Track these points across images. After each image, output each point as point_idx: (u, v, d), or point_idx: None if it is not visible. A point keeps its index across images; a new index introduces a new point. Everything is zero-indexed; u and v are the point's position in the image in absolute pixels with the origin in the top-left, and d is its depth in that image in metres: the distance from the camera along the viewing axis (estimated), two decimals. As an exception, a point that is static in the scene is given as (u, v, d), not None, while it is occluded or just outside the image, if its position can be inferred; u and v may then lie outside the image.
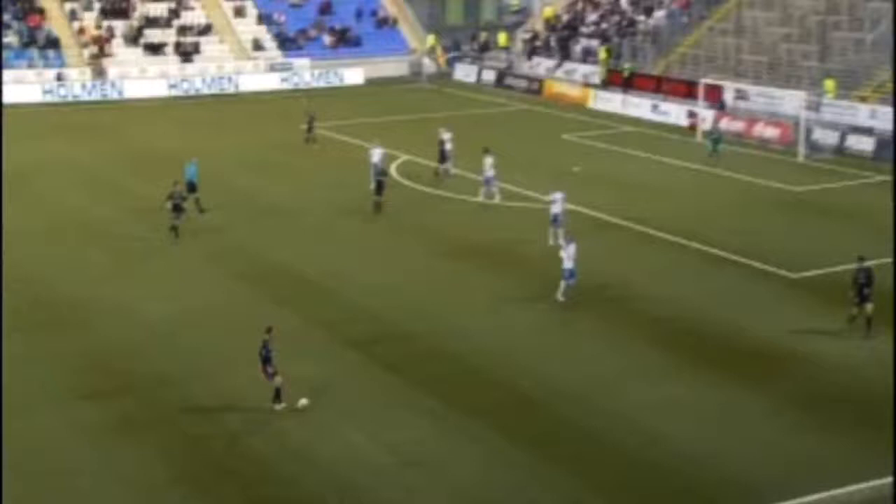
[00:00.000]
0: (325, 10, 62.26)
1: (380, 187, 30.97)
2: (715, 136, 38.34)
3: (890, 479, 16.26)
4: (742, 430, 18.11)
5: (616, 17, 56.58)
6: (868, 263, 22.26)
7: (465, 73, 59.98)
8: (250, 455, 17.63)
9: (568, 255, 23.56)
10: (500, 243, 28.47)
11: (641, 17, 54.90)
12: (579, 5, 60.00)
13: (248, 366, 20.38)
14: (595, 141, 42.34)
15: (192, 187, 30.73)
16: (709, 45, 50.30)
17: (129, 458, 17.46)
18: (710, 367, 20.50)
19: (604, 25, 56.58)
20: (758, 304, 23.83)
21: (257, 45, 58.98)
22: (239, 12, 60.45)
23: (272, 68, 57.68)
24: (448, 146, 35.53)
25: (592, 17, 58.14)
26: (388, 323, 22.92)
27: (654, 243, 28.46)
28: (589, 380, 20.07)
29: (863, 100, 41.43)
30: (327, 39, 60.78)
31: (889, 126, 39.23)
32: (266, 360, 18.82)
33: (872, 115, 40.29)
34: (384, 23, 62.99)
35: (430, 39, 62.35)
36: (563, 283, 23.60)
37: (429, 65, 60.25)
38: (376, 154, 33.25)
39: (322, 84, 57.45)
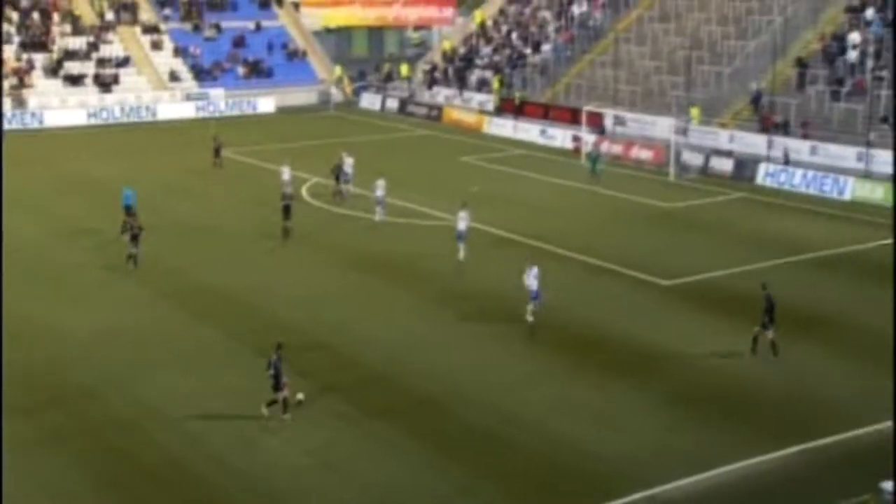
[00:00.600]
0: (239, 43, 61.54)
1: (287, 211, 30.24)
2: (594, 157, 39.25)
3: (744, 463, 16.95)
4: (628, 427, 18.47)
5: (507, 51, 57.52)
6: (768, 291, 21.09)
7: (370, 101, 59.99)
8: (171, 462, 17.25)
9: (532, 277, 22.88)
10: (404, 258, 28.53)
11: (529, 51, 55.92)
12: (474, 39, 60.79)
13: (169, 377, 19.97)
14: (490, 163, 42.87)
15: (129, 211, 30.30)
16: (590, 76, 51.55)
17: (53, 468, 16.88)
18: (598, 370, 20.89)
19: (497, 58, 57.46)
20: (637, 310, 24.40)
21: (174, 77, 57.86)
22: (156, 45, 59.22)
23: (188, 98, 56.67)
24: (348, 169, 35.45)
25: (486, 50, 58.97)
26: (303, 334, 22.73)
27: (545, 257, 28.82)
28: (490, 384, 20.19)
29: (723, 126, 42.95)
30: (241, 71, 60.05)
31: (745, 149, 40.91)
32: (277, 375, 18.35)
33: (731, 139, 41.82)
34: (294, 55, 62.61)
35: (338, 70, 62.24)
36: (529, 305, 23.00)
37: (336, 94, 60.14)
38: (286, 172, 33.57)
39: (236, 112, 56.75)
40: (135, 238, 27.06)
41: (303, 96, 60.47)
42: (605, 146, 43.02)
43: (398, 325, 23.31)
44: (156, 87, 56.96)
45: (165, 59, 58.79)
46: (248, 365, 21.02)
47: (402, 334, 22.79)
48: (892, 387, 18.65)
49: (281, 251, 29.14)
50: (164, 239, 29.86)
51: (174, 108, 55.65)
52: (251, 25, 62.92)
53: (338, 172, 34.90)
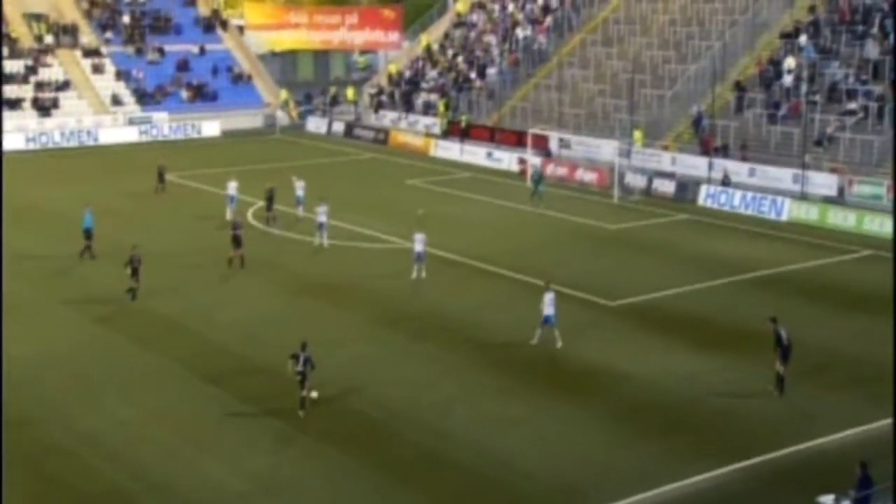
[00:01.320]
0: (183, 67, 61.19)
1: (237, 242, 29.24)
2: (536, 178, 39.73)
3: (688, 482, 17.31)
4: (570, 445, 18.73)
5: (453, 74, 58.11)
6: (782, 327, 20.77)
7: (316, 125, 60.06)
8: (113, 491, 17.02)
9: (548, 302, 23.06)
10: (350, 281, 28.60)
11: (474, 75, 56.52)
12: (420, 63, 61.31)
13: (110, 405, 19.72)
14: (437, 186, 43.20)
15: (88, 234, 30.02)
16: (535, 99, 52.32)
17: (-11, 503, 16.57)
18: (539, 388, 21.18)
19: (442, 81, 58.01)
20: (581, 329, 24.78)
21: (116, 100, 57.29)
22: (97, 69, 58.59)
23: (131, 122, 56.13)
24: (300, 192, 35.59)
25: (432, 73, 59.50)
26: (245, 358, 22.64)
27: (490, 277, 29.27)
28: (433, 404, 20.35)
29: (665, 148, 43.92)
30: (185, 94, 59.69)
31: (687, 171, 41.85)
32: (304, 375, 19.48)
33: (673, 161, 42.78)
34: (239, 79, 62.46)
35: (283, 94, 62.25)
36: (538, 329, 23.18)
37: (282, 117, 60.11)
38: (231, 187, 34.53)
39: (180, 136, 56.38)
40: (135, 272, 26.28)
41: (248, 120, 60.33)
42: (550, 168, 43.63)
43: (343, 348, 23.36)
44: (97, 110, 56.34)
45: (107, 83, 58.19)
46: (191, 391, 20.86)
47: (346, 357, 22.85)
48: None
49: (225, 275, 28.98)
50: (106, 264, 29.49)
51: (116, 132, 55.07)
52: (195, 49, 62.65)
53: (270, 196, 34.64)
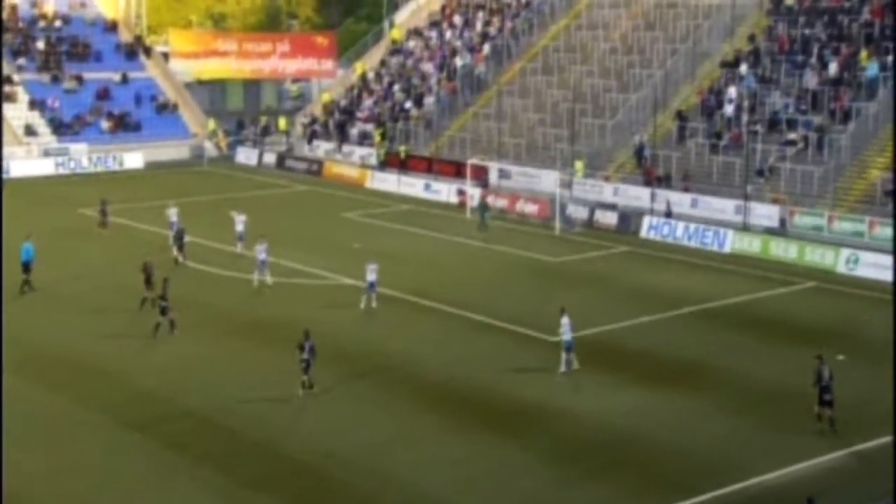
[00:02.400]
0: (103, 95, 60.42)
1: (163, 312, 27.25)
2: (481, 207, 40.19)
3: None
4: (510, 485, 18.84)
5: (389, 103, 58.55)
6: (826, 365, 21.06)
7: (246, 156, 59.83)
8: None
9: (566, 327, 24.26)
10: (283, 320, 28.46)
11: (410, 104, 56.99)
12: (355, 91, 61.66)
13: (15, 455, 19.20)
14: (373, 219, 43.34)
15: (26, 267, 29.96)
16: (474, 128, 52.96)
17: None
18: (480, 427, 21.31)
19: (378, 110, 58.38)
20: (522, 366, 25.04)
21: (30, 131, 56.32)
22: (9, 98, 57.59)
23: (46, 153, 55.18)
24: (240, 227, 35.31)
25: (368, 102, 59.86)
26: (170, 402, 22.35)
27: (428, 313, 29.41)
28: (367, 445, 20.33)
29: (607, 179, 44.81)
30: (105, 125, 58.92)
31: (629, 202, 42.69)
32: (308, 363, 22.40)
33: (615, 192, 43.66)
34: (164, 108, 61.94)
35: (211, 124, 61.92)
36: (563, 356, 24.33)
37: (210, 148, 59.76)
38: (173, 213, 35.78)
39: (101, 168, 55.52)
40: (148, 280, 27.41)
41: (174, 151, 59.81)
42: (490, 200, 44.13)
43: (274, 389, 23.21)
44: (9, 142, 55.26)
45: (20, 113, 57.19)
46: (111, 439, 20.46)
47: (277, 398, 22.69)
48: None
49: (150, 315, 28.58)
50: (15, 304, 28.84)
51: (30, 164, 54.03)
52: (116, 77, 62.00)
53: (180, 236, 33.96)
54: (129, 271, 32.97)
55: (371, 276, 29.09)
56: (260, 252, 32.00)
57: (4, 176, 52.37)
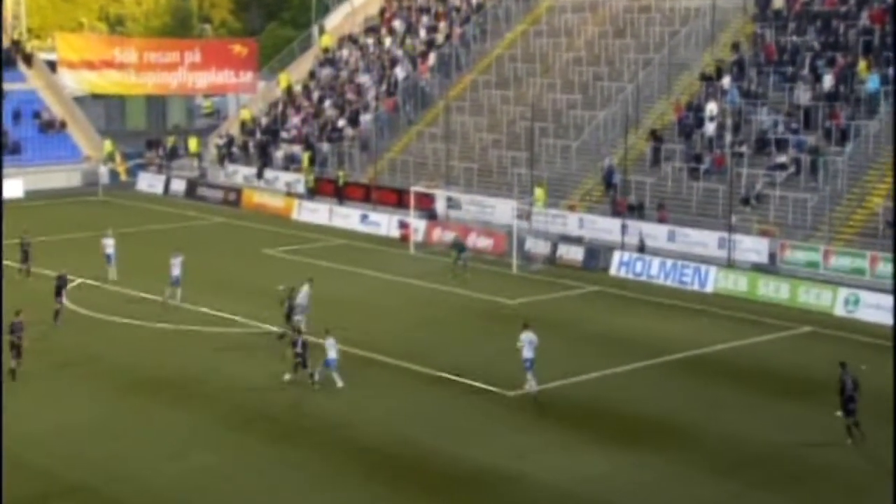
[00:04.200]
0: (-27, 111, 60.14)
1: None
2: (459, 245, 40.57)
3: None
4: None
5: (320, 121, 59.07)
6: (849, 374, 24.29)
7: (150, 183, 59.91)
8: None
9: (529, 343, 26.71)
10: (190, 374, 28.64)
11: (344, 122, 57.54)
12: (280, 107, 62.11)
13: None
14: (301, 256, 43.63)
15: None
16: (418, 150, 53.68)
17: None
18: (426, 497, 21.63)
19: (307, 129, 58.85)
20: (473, 424, 25.46)
21: None
22: None
23: None
24: (176, 271, 35.16)
25: (295, 120, 60.34)
26: (54, 477, 22.34)
27: (365, 366, 29.68)
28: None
29: (571, 208, 45.54)
30: (-24, 145, 58.59)
31: (597, 235, 43.39)
32: (303, 358, 27.22)
33: (581, 223, 44.43)
34: (50, 126, 61.83)
35: (108, 145, 61.90)
36: (529, 375, 26.70)
37: (106, 174, 59.69)
38: (109, 245, 37.82)
39: (-29, 198, 54.99)
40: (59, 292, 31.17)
41: (62, 177, 59.70)
42: (436, 234, 44.64)
43: (179, 459, 23.37)
44: None
45: None
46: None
47: (183, 469, 22.86)
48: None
49: (32, 373, 28.53)
50: None
51: None
52: (-9, 89, 61.75)
53: (60, 285, 33.97)
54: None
55: (332, 354, 27.76)
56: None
57: None
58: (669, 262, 39.69)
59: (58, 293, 32.64)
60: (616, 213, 43.90)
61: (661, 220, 42.71)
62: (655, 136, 46.91)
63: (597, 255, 41.62)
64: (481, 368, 29.07)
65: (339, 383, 27.63)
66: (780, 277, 37.57)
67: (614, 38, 53.70)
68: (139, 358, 30.10)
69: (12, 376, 27.51)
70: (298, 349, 27.47)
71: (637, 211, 43.64)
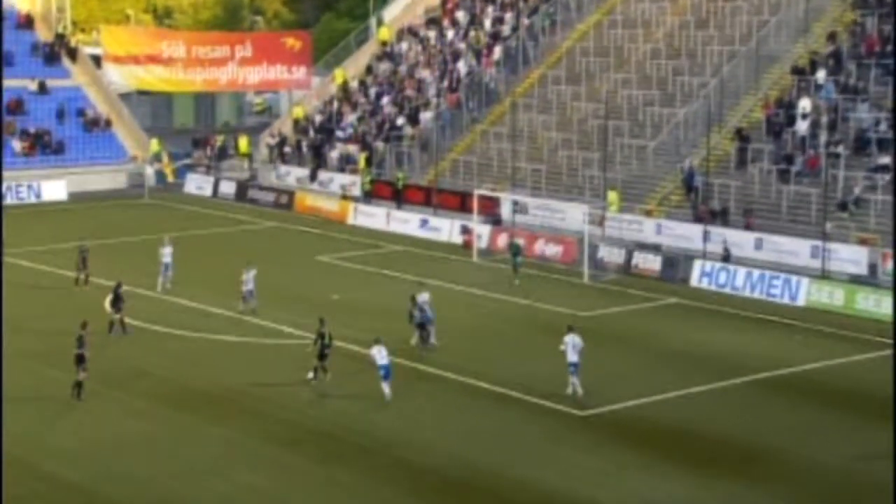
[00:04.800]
0: (16, 108, 61.33)
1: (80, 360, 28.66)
2: (515, 248, 40.69)
3: None
4: None
5: (377, 119, 59.31)
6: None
7: (198, 185, 60.64)
8: None
9: (573, 347, 27.78)
10: (238, 387, 28.91)
11: (403, 121, 57.64)
12: (335, 104, 62.50)
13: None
14: (357, 263, 43.83)
15: None
16: (483, 150, 53.68)
17: None
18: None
19: (363, 128, 59.14)
20: (539, 448, 25.29)
21: (-80, 153, 57.16)
22: None
23: (-60, 182, 55.94)
24: (249, 286, 35.33)
25: (351, 118, 60.68)
26: (91, 495, 22.60)
27: (423, 380, 29.72)
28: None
29: (648, 214, 45.30)
30: (18, 145, 59.74)
31: (676, 242, 43.13)
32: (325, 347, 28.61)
33: (659, 230, 44.15)
34: (95, 125, 62.89)
35: (154, 145, 62.75)
36: (573, 379, 27.95)
37: (152, 176, 60.48)
38: (166, 253, 37.96)
39: (11, 201, 55.94)
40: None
41: (106, 179, 60.67)
42: (501, 240, 44.56)
43: (220, 477, 23.52)
44: None
45: None
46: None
47: (226, 487, 23.00)
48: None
49: (63, 387, 28.92)
50: None
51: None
52: (32, 85, 63.00)
53: (117, 294, 33.87)
54: (39, 330, 33.51)
55: (382, 360, 27.83)
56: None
57: None
58: (756, 273, 39.22)
59: (114, 304, 32.92)
60: (697, 218, 43.50)
61: (748, 227, 42.27)
62: (741, 136, 46.45)
63: (676, 264, 41.28)
64: (548, 385, 28.92)
65: (388, 396, 27.69)
66: (880, 290, 36.91)
67: (696, 29, 53.27)
68: (184, 370, 30.43)
69: (78, 390, 27.75)
70: (323, 341, 28.72)
71: (720, 217, 43.23)
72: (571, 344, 27.95)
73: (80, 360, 27.90)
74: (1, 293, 30.89)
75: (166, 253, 38.46)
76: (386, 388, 27.75)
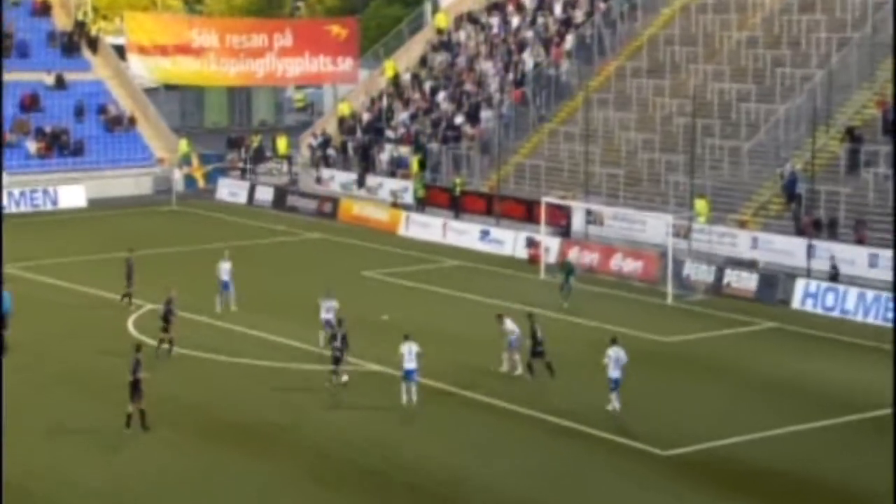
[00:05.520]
0: (31, 104, 62.17)
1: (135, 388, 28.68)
2: (567, 268, 40.57)
3: None
4: None
5: (432, 117, 59.42)
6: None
7: (231, 190, 61.16)
8: None
9: (615, 361, 29.02)
10: (280, 420, 29.05)
11: (461, 119, 57.65)
12: (385, 100, 62.78)
13: None
14: (408, 280, 43.89)
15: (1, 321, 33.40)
16: (551, 153, 53.59)
17: None
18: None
19: (417, 128, 59.32)
20: (617, 488, 25.13)
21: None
22: None
23: (-53, 186, 56.85)
24: (328, 315, 34.29)
25: (402, 116, 60.92)
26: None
27: (484, 412, 29.68)
28: None
29: (742, 225, 44.91)
30: (33, 146, 60.55)
31: (773, 258, 42.70)
32: (340, 354, 30.58)
33: (755, 244, 43.69)
34: (117, 123, 63.63)
35: (183, 146, 63.36)
36: (613, 395, 29.11)
37: (181, 180, 61.02)
38: (224, 270, 37.76)
39: (25, 208, 56.76)
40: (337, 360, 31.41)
41: (130, 183, 61.34)
42: (573, 254, 44.40)
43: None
44: None
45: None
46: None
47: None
48: None
49: (87, 416, 29.19)
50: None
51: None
52: (49, 79, 63.85)
53: (168, 312, 34.04)
54: (62, 351, 33.88)
55: (410, 365, 29.69)
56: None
57: None
58: (870, 294, 38.79)
59: (165, 322, 33.47)
60: (800, 231, 43.10)
61: (860, 241, 41.86)
62: (852, 136, 46.00)
63: (774, 283, 40.92)
64: (629, 422, 28.76)
65: (404, 399, 29.35)
66: None
67: (800, 13, 52.91)
68: (220, 399, 30.67)
69: (141, 420, 27.91)
70: (338, 343, 30.65)
71: (827, 229, 42.84)
72: (615, 358, 29.03)
73: (135, 387, 27.85)
74: (1, 297, 32.27)
75: (225, 269, 38.16)
76: (405, 392, 29.42)
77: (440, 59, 63.41)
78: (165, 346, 33.56)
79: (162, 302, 34.12)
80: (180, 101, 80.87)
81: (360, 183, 58.18)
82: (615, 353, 29.14)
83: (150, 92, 69.41)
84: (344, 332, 30.75)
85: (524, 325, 32.31)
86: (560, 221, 47.54)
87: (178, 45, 65.09)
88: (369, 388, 31.10)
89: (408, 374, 29.66)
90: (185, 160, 62.70)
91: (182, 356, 33.97)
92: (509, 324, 32.57)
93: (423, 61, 64.17)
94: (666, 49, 55.23)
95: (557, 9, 61.07)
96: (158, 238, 50.23)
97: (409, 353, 29.63)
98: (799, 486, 25.50)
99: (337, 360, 30.70)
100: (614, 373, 29.12)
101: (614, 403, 29.24)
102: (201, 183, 62.38)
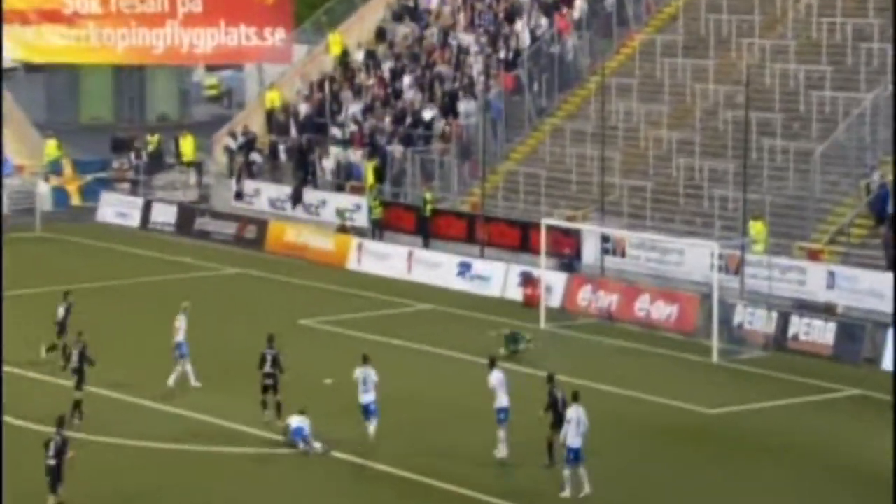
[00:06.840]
0: None
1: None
2: (511, 337, 41.09)
3: None
4: None
5: (393, 109, 59.41)
6: None
7: (118, 209, 61.23)
8: None
9: (577, 424, 29.34)
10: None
11: (431, 113, 57.63)
12: (328, 86, 62.51)
13: None
14: (361, 330, 43.95)
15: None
16: (554, 159, 53.75)
17: None
18: None
19: (372, 123, 59.17)
20: None
21: None
22: None
23: None
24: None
25: (353, 108, 60.82)
26: None
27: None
28: None
29: (814, 256, 45.07)
30: None
31: (858, 302, 42.77)
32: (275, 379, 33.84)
33: (831, 281, 43.89)
34: (-38, 119, 63.48)
35: (51, 148, 63.10)
36: (567, 472, 29.61)
37: (48, 196, 60.84)
38: (181, 329, 37.64)
39: None
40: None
41: (-21, 200, 61.12)
42: (584, 295, 44.50)
43: None
44: None
45: None
46: None
47: None
48: None
49: None
50: None
51: None
52: None
53: (81, 363, 34.87)
54: None
55: (365, 398, 31.47)
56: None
57: None
58: None
59: (79, 375, 34.86)
60: (893, 264, 43.27)
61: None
62: (960, 136, 46.40)
63: (859, 335, 41.16)
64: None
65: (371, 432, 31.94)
66: None
67: (887, -27, 53.31)
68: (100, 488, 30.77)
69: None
70: (268, 368, 34.64)
71: (928, 260, 43.12)
72: (576, 420, 29.36)
73: (56, 472, 28.49)
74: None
75: (180, 328, 37.85)
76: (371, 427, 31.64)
77: (404, 30, 63.49)
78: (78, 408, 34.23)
79: (71, 349, 34.87)
80: (46, 88, 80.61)
81: (296, 199, 58.20)
82: (576, 414, 29.34)
83: (4, 74, 69.08)
84: (276, 352, 34.53)
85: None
86: (567, 251, 47.78)
87: (44, 9, 64.93)
88: (308, 472, 31.35)
89: (366, 411, 30.21)
90: (54, 168, 62.53)
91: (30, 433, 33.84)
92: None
93: (381, 34, 64.24)
94: (709, 18, 55.47)
95: (562, -35, 61.38)
96: (15, 276, 49.65)
97: (365, 381, 30.39)
98: None
99: (266, 389, 34.24)
100: (573, 441, 29.21)
101: (582, 483, 29.46)
102: (76, 199, 62.28)
